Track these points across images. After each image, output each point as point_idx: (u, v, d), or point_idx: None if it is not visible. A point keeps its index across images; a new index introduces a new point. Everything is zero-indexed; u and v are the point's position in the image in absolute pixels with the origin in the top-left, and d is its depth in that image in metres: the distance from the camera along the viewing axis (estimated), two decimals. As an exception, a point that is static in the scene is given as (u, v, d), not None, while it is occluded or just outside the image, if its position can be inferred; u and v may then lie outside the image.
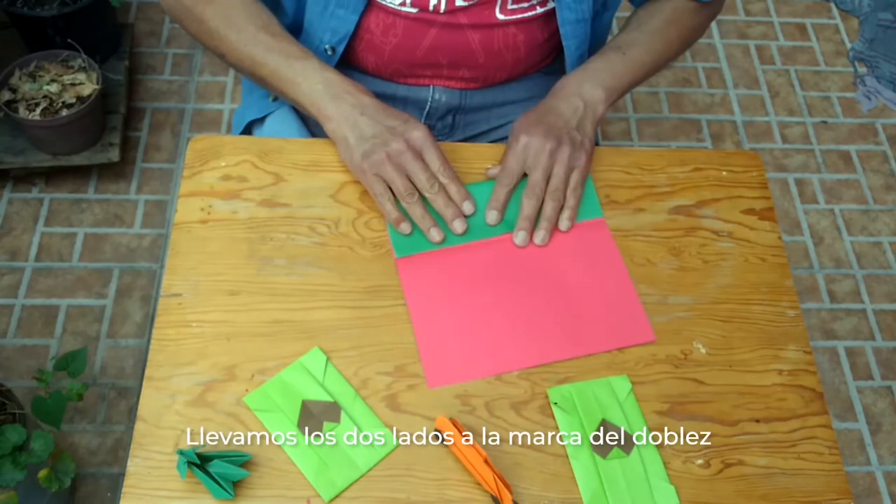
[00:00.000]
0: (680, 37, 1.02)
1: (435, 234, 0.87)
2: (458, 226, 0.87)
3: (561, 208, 0.90)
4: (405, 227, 0.87)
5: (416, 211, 0.86)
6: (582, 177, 0.90)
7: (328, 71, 0.90)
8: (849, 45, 2.21)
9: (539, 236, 0.89)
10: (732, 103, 2.08)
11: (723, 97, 2.08)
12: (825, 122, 2.06)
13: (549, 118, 0.92)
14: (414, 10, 0.94)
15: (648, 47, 0.99)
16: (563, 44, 0.99)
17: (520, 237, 0.88)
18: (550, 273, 0.87)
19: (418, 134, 0.87)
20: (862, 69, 2.17)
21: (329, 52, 0.99)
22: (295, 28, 1.03)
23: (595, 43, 1.06)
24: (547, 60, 1.09)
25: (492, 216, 0.89)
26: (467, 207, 0.88)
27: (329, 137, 0.90)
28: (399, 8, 0.94)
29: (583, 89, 0.94)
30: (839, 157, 2.01)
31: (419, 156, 0.87)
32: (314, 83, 0.89)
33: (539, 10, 0.96)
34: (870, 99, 2.11)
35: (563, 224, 0.89)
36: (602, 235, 0.89)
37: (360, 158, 0.87)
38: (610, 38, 1.06)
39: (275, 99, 1.07)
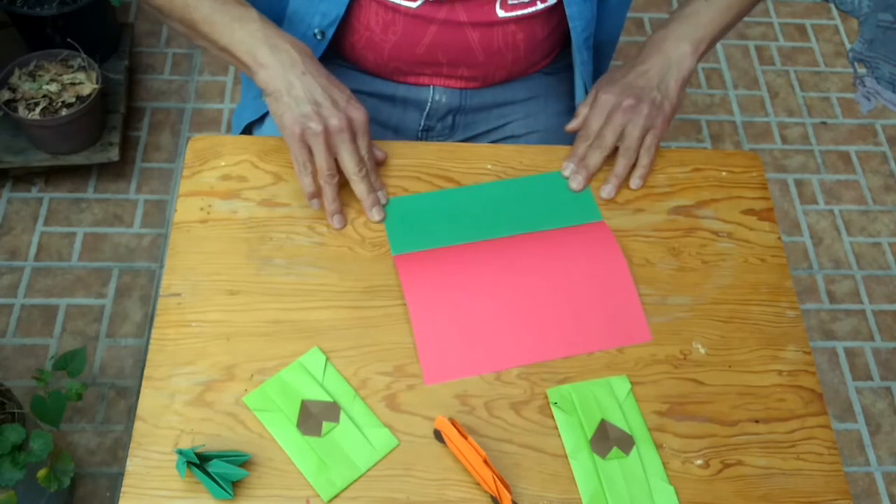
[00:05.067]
0: None
1: (337, 221, 0.87)
2: (377, 214, 0.88)
3: (633, 167, 0.90)
4: (316, 203, 0.87)
5: (330, 192, 0.85)
6: (657, 138, 0.90)
7: (267, 21, 0.86)
8: (848, 46, 2.21)
9: (606, 190, 0.91)
10: (732, 104, 2.08)
11: (722, 97, 2.09)
12: (825, 123, 2.07)
13: (630, 77, 0.92)
14: (414, 5, 0.93)
15: None
16: (570, 26, 0.98)
17: (577, 181, 0.90)
18: (550, 273, 0.87)
19: (359, 116, 0.85)
20: (861, 70, 2.17)
21: (318, 38, 0.97)
22: (276, 14, 1.01)
23: (603, 29, 1.05)
24: (547, 60, 1.09)
25: (576, 181, 0.91)
26: (382, 197, 0.89)
27: (261, 89, 0.86)
28: (399, 2, 0.93)
29: (665, 46, 0.93)
30: (839, 158, 2.01)
31: (354, 138, 0.85)
32: (253, 30, 0.84)
33: (540, 5, 0.96)
34: (869, 100, 2.11)
35: (635, 182, 0.91)
36: (605, 237, 0.89)
37: (293, 120, 0.83)
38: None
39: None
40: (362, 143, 0.86)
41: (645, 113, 0.89)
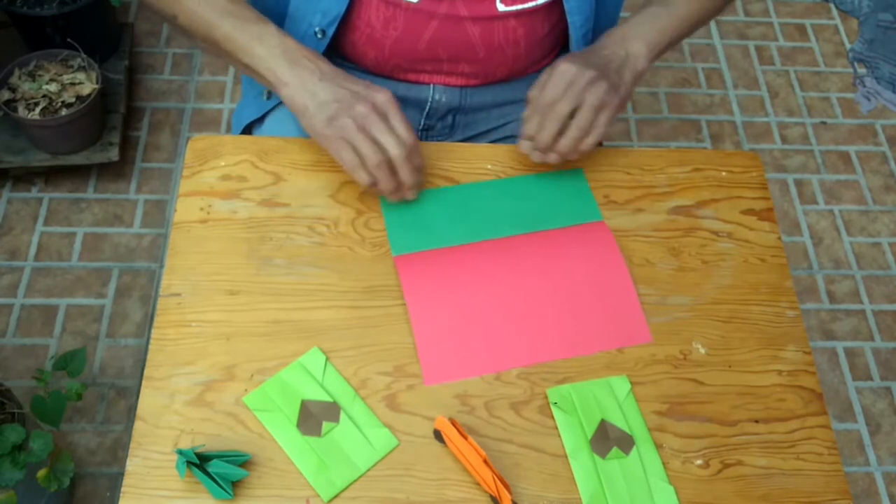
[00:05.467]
0: None
1: (398, 196, 0.88)
2: (412, 195, 0.89)
3: (578, 142, 0.88)
4: (394, 197, 0.88)
5: (383, 176, 0.85)
6: (608, 119, 0.88)
7: (286, 37, 0.88)
8: (848, 46, 2.21)
9: (551, 157, 0.89)
10: (732, 104, 2.08)
11: (722, 98, 2.09)
12: (825, 123, 2.07)
13: (591, 56, 0.91)
14: (415, 0, 0.93)
15: None
16: (568, 20, 0.98)
17: (525, 146, 0.89)
18: (550, 273, 0.87)
19: (382, 97, 0.85)
20: (861, 70, 2.17)
21: (319, 36, 0.97)
22: (278, 13, 1.02)
23: (602, 25, 1.04)
24: (548, 59, 1.09)
25: (524, 145, 0.90)
26: (420, 176, 0.89)
27: (288, 107, 0.87)
28: None
29: (626, 42, 0.93)
30: (839, 158, 2.01)
31: (385, 118, 0.85)
32: (271, 47, 0.86)
33: (539, 0, 0.96)
34: (869, 100, 2.11)
35: (565, 148, 0.88)
36: (604, 237, 0.89)
37: (322, 124, 0.84)
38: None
39: (268, 97, 1.07)
40: (395, 121, 0.85)
41: (605, 88, 0.87)
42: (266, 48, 0.86)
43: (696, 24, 1.00)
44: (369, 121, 0.84)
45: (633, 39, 0.93)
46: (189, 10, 0.90)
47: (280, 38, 0.87)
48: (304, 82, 0.85)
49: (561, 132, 0.88)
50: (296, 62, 0.86)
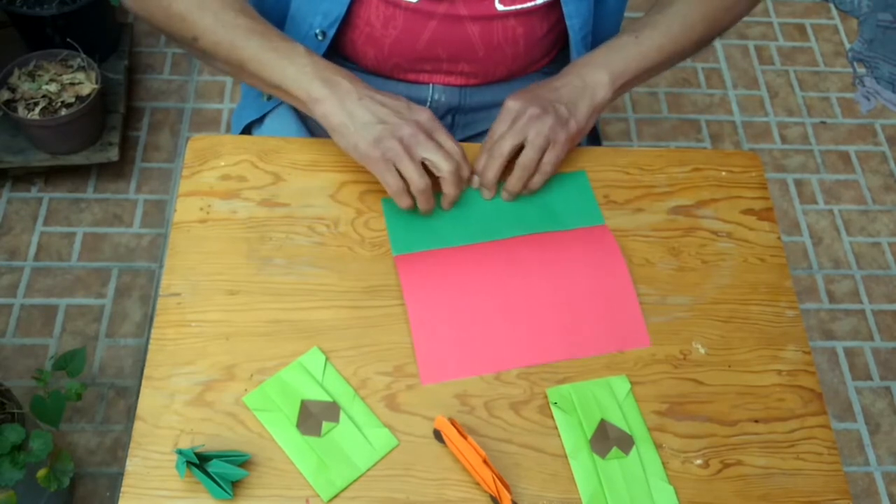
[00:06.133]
0: (705, 18, 0.97)
1: (432, 207, 0.88)
2: (451, 207, 0.89)
3: (525, 182, 0.89)
4: (430, 212, 0.88)
5: (424, 201, 0.85)
6: (557, 155, 0.88)
7: (315, 55, 0.87)
8: (848, 46, 2.21)
9: (504, 195, 0.91)
10: (732, 104, 2.08)
11: (722, 97, 2.09)
12: (824, 123, 2.07)
13: (541, 90, 0.90)
14: (415, 0, 0.93)
15: (666, 30, 0.95)
16: (567, 24, 0.97)
17: (474, 182, 0.91)
18: (550, 276, 0.86)
19: (424, 115, 0.85)
20: (861, 70, 2.17)
21: (319, 38, 0.97)
22: (278, 15, 1.01)
23: (602, 29, 1.04)
24: (547, 59, 1.09)
25: (474, 181, 0.91)
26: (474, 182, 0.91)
27: (322, 124, 0.86)
28: None
29: (585, 71, 0.92)
30: (838, 158, 2.01)
31: (430, 136, 0.85)
32: (302, 65, 0.85)
33: (538, 0, 0.96)
34: (869, 100, 2.11)
35: (512, 188, 0.89)
36: (606, 241, 0.89)
37: (368, 146, 0.83)
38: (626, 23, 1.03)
39: (269, 98, 1.07)
40: (441, 137, 0.85)
41: (549, 124, 0.87)
42: (297, 67, 0.85)
43: (669, 57, 0.96)
44: (416, 141, 0.83)
45: (594, 68, 0.92)
46: (210, 31, 0.88)
47: (309, 56, 0.86)
48: (343, 101, 0.84)
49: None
50: (329, 80, 0.85)
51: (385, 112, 0.84)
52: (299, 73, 0.85)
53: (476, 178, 0.91)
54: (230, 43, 0.88)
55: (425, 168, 0.85)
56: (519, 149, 0.88)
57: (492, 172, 0.89)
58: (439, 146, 0.85)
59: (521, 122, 0.87)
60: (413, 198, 0.85)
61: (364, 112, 0.84)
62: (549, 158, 0.88)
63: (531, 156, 0.87)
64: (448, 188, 0.86)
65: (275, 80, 0.87)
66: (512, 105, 0.89)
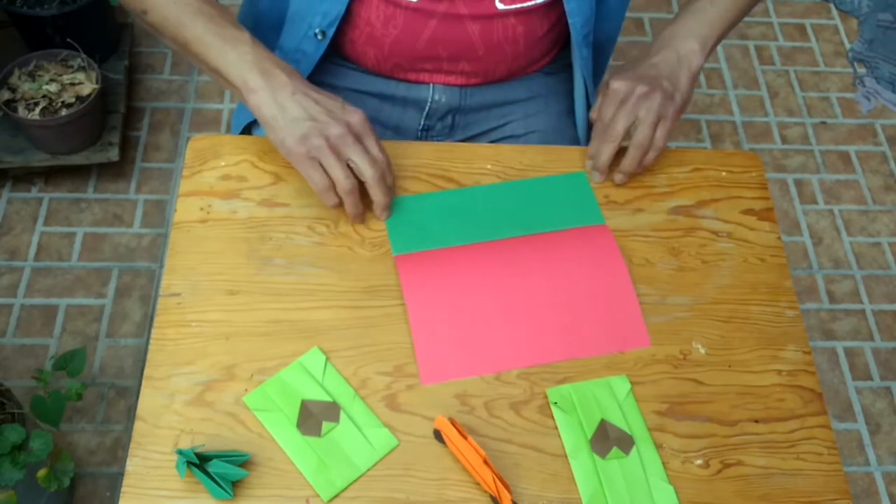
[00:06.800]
0: None
1: (360, 221, 0.88)
2: (385, 216, 0.89)
3: (641, 160, 0.91)
4: (359, 220, 0.88)
5: (351, 201, 0.85)
6: (667, 130, 0.90)
7: (259, 45, 0.86)
8: (848, 46, 2.21)
9: (617, 177, 0.93)
10: (732, 104, 2.08)
11: (722, 97, 2.09)
12: (824, 123, 2.07)
13: (642, 68, 0.92)
14: None
15: None
16: (569, 22, 0.97)
17: (588, 165, 0.93)
18: (550, 276, 0.87)
19: (356, 118, 0.84)
20: (861, 70, 2.17)
21: (319, 37, 0.97)
22: (277, 14, 1.01)
23: (603, 28, 1.04)
24: (547, 58, 1.09)
25: (587, 164, 0.93)
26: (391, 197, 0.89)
27: (255, 115, 0.85)
28: None
29: (675, 43, 0.93)
30: (838, 158, 2.01)
31: (359, 139, 0.84)
32: (243, 53, 0.84)
33: None
34: (869, 100, 2.11)
35: (628, 168, 0.91)
36: (605, 240, 0.89)
37: (295, 141, 0.82)
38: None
39: None
40: (369, 142, 0.85)
41: (658, 100, 0.89)
42: (238, 53, 0.84)
43: (742, 10, 0.99)
44: (343, 142, 0.83)
45: (682, 38, 0.94)
46: (160, 6, 0.87)
47: (253, 45, 0.85)
48: (276, 93, 0.83)
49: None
50: (267, 71, 0.84)
51: (317, 110, 0.83)
52: (239, 60, 0.84)
53: (588, 163, 0.94)
54: (177, 20, 0.87)
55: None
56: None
57: (605, 155, 0.91)
58: (366, 151, 0.84)
59: (630, 102, 0.89)
60: (340, 198, 0.85)
61: (295, 107, 0.83)
62: (661, 133, 0.90)
63: (646, 132, 0.89)
64: (374, 194, 0.86)
65: (215, 64, 0.86)
66: (619, 86, 0.90)
